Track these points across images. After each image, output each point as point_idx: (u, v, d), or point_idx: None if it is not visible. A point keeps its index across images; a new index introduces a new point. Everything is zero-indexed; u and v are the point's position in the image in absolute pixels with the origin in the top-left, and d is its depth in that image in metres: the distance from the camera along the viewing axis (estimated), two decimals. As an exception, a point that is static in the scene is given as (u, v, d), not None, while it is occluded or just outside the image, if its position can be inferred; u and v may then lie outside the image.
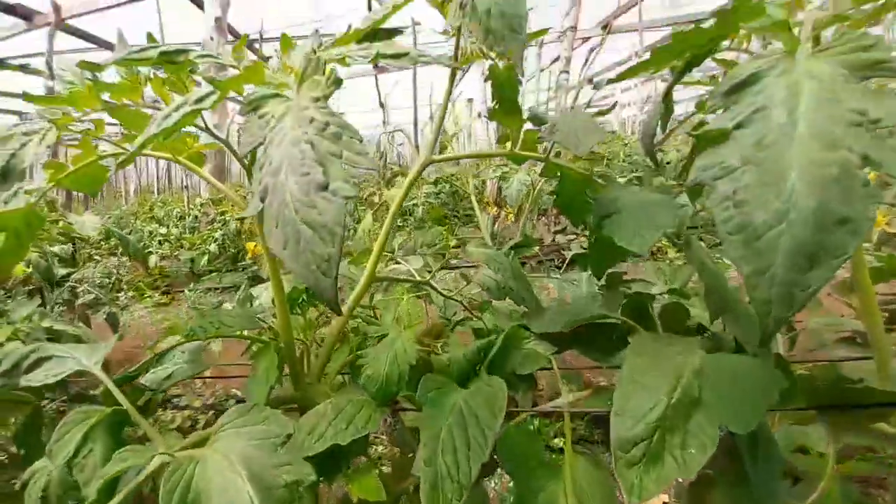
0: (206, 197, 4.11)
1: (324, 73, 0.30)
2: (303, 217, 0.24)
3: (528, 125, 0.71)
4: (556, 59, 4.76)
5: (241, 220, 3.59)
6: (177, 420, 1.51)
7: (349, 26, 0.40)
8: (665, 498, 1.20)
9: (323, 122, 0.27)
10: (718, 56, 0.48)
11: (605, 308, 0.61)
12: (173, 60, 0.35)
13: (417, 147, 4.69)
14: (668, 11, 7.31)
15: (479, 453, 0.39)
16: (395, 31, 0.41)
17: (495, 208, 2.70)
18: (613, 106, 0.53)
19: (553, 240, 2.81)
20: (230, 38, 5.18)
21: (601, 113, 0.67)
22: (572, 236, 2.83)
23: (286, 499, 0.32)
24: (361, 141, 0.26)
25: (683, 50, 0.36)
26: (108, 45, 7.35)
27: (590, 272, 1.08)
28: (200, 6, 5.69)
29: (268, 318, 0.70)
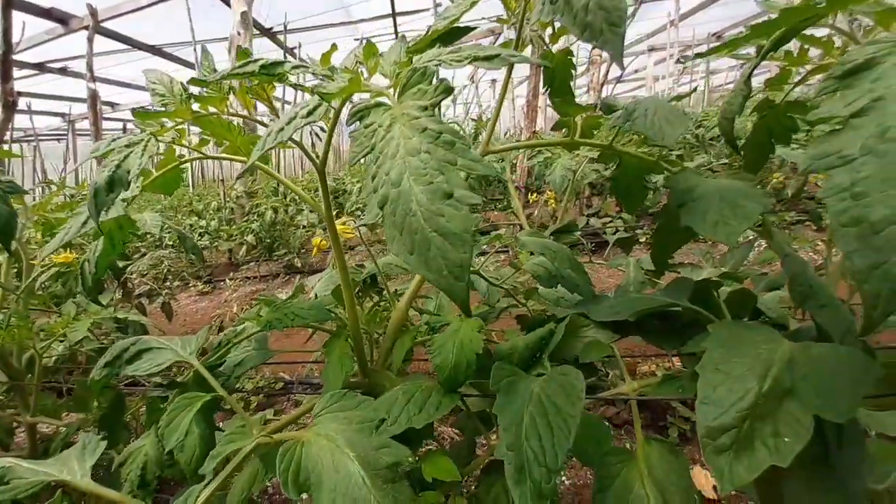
0: (240, 189, 4.25)
1: (430, 82, 0.30)
2: (432, 225, 0.26)
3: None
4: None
5: (276, 211, 3.70)
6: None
7: (428, 28, 0.41)
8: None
9: (436, 131, 0.28)
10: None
11: (670, 295, 0.61)
12: (272, 73, 0.36)
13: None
14: (704, -23, 6.93)
15: (564, 439, 0.40)
16: (468, 29, 0.41)
17: (535, 194, 2.67)
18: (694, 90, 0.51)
19: (587, 223, 2.76)
20: (255, 31, 5.24)
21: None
22: (606, 219, 2.77)
23: (390, 478, 0.35)
24: (470, 147, 0.27)
25: (784, 24, 0.34)
26: (141, 46, 7.56)
27: (636, 258, 1.07)
28: (226, 2, 5.77)
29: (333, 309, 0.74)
